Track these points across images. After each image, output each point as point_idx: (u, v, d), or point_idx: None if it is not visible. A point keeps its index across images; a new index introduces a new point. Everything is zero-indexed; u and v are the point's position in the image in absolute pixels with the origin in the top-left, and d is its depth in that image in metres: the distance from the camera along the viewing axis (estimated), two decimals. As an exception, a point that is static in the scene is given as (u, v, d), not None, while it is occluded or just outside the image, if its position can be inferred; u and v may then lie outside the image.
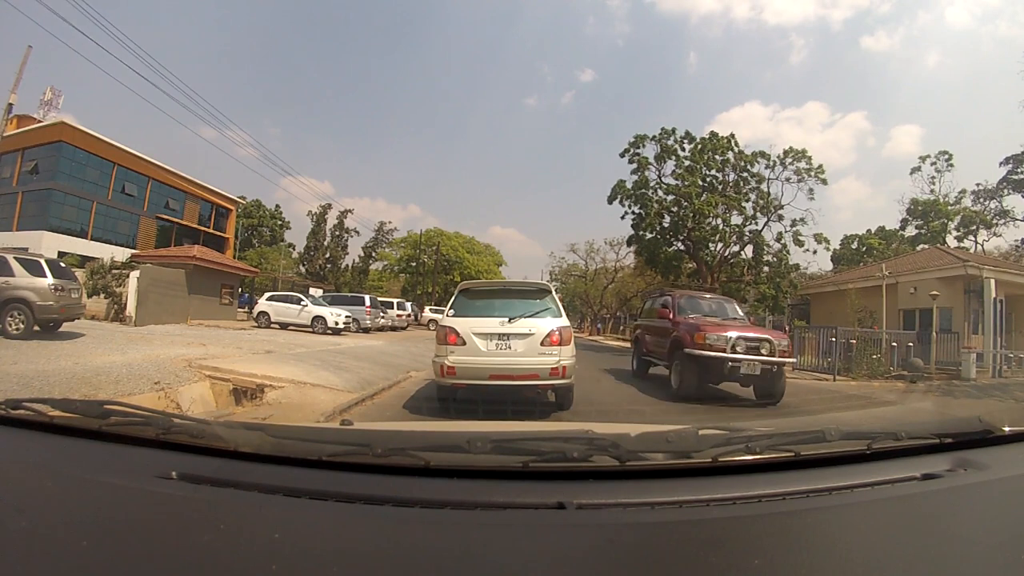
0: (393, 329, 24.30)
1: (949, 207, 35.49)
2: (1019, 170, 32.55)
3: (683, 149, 25.69)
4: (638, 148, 26.11)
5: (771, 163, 25.32)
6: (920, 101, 71.61)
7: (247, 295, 25.78)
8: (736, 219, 25.41)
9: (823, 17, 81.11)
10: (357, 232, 45.19)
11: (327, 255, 43.79)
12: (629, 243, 28.76)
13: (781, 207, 25.10)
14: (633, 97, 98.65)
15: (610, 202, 26.86)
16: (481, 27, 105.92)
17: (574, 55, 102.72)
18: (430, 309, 30.46)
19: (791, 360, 8.67)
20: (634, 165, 26.01)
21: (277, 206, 56.44)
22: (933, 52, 73.66)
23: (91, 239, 27.37)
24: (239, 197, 41.32)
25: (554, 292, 6.26)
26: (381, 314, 23.49)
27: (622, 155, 26.41)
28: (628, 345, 14.88)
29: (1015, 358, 14.02)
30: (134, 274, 15.43)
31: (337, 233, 44.60)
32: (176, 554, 0.69)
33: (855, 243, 40.99)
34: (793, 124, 78.07)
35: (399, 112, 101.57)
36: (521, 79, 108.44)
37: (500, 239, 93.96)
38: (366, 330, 20.94)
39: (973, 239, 35.65)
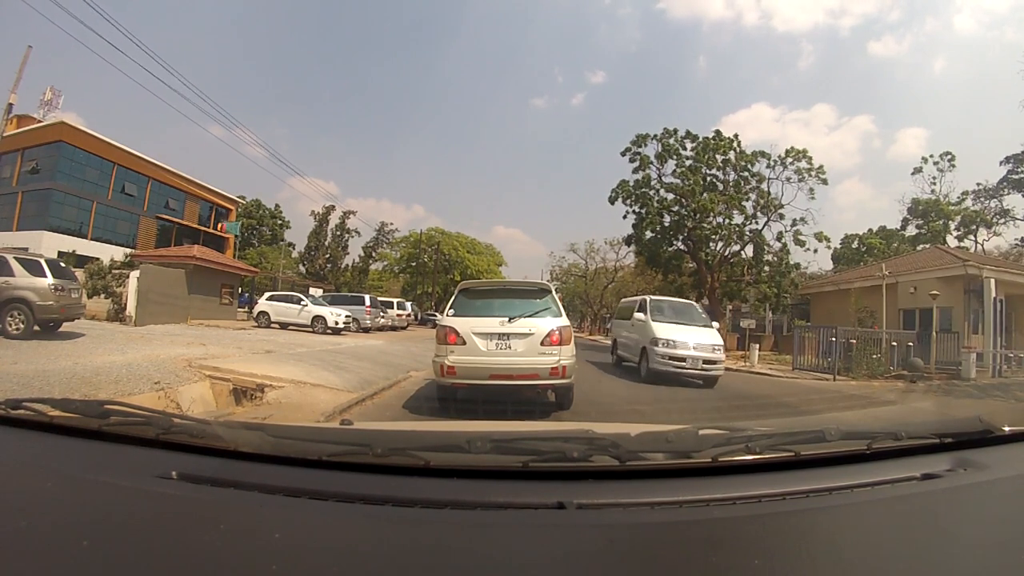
0: (393, 329, 24.31)
1: (950, 207, 35.44)
2: (1019, 169, 32.51)
3: (685, 148, 25.68)
4: (640, 147, 26.10)
5: (772, 163, 25.34)
6: (926, 104, 71.68)
7: (247, 295, 25.74)
8: (737, 218, 25.39)
9: (832, 24, 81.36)
10: (358, 232, 45.23)
11: (327, 255, 43.75)
12: (628, 242, 28.70)
13: (782, 206, 25.10)
14: (640, 99, 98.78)
15: (612, 202, 26.84)
16: (489, 29, 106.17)
17: (583, 58, 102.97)
18: None
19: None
20: (635, 164, 26.00)
21: (277, 205, 56.47)
22: (940, 57, 73.94)
23: (91, 239, 27.36)
24: (239, 197, 41.30)
25: (554, 292, 6.25)
26: (381, 314, 23.50)
27: (623, 153, 26.39)
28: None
29: (1015, 358, 14.02)
30: (134, 274, 15.42)
31: (338, 233, 44.57)
32: (176, 554, 0.69)
33: (855, 242, 40.95)
34: (800, 126, 78.19)
35: (406, 112, 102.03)
36: (529, 81, 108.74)
37: (504, 239, 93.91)
38: (366, 330, 20.95)
39: (973, 239, 35.59)
